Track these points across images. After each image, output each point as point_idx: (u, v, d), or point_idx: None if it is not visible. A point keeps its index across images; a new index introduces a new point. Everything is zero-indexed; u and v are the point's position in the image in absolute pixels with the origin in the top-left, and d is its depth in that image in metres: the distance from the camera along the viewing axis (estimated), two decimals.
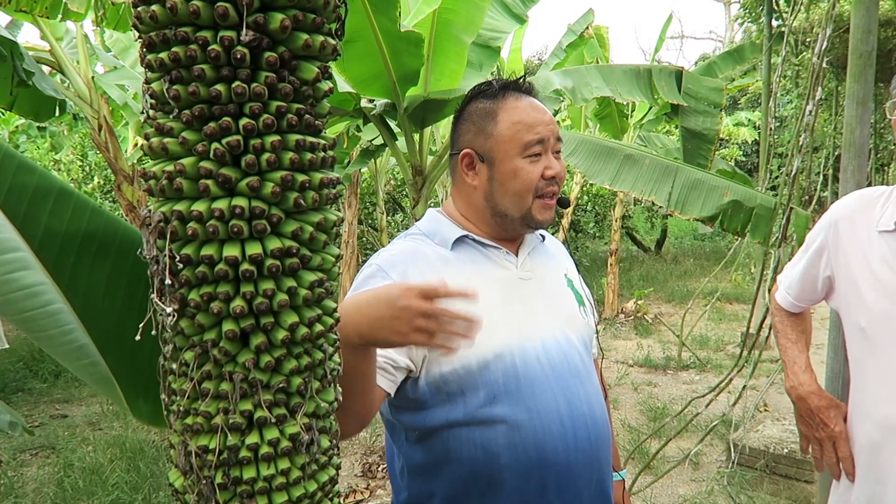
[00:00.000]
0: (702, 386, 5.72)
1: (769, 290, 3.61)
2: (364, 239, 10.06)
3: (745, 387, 3.67)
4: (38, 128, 11.41)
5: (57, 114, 4.07)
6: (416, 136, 4.40)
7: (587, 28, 6.52)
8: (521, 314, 1.38)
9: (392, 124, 4.61)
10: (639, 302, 8.67)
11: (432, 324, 1.03)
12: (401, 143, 4.85)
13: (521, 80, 1.45)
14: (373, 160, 8.48)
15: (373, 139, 6.54)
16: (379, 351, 1.23)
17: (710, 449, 4.56)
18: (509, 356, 1.33)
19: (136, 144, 9.95)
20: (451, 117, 1.53)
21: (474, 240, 1.43)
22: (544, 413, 1.31)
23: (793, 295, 1.83)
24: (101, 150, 4.79)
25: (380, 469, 4.37)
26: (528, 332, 1.37)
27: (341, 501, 0.79)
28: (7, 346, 3.99)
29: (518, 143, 1.36)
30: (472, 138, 1.42)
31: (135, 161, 6.04)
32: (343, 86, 3.80)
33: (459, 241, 1.42)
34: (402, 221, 12.08)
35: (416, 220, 1.63)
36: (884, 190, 1.61)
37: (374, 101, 4.38)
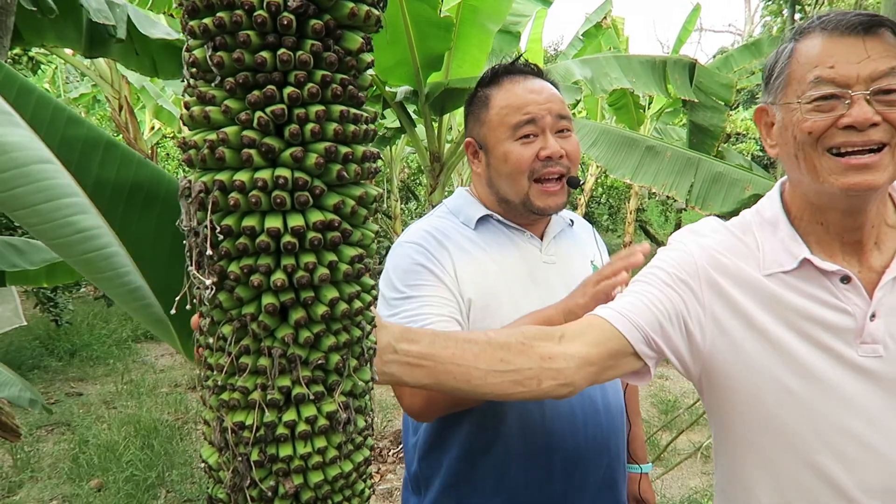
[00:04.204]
0: None
1: None
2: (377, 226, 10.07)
3: None
4: None
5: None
6: (435, 124, 4.39)
7: (605, 17, 6.46)
8: (542, 299, 1.38)
9: (410, 110, 4.60)
10: None
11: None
12: (419, 130, 4.83)
13: (518, 62, 1.43)
14: (388, 147, 8.47)
15: (389, 126, 6.54)
16: (444, 311, 1.29)
17: None
18: None
19: (152, 128, 10.02)
20: None
21: (498, 220, 1.43)
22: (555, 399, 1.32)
23: None
24: (121, 130, 4.80)
25: (390, 454, 4.38)
26: None
27: (373, 483, 0.78)
28: (25, 323, 4.03)
29: (506, 127, 1.35)
30: (471, 127, 1.45)
31: (153, 143, 6.06)
32: None
33: (483, 220, 1.43)
34: (415, 209, 12.08)
35: (433, 206, 1.64)
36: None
37: (392, 87, 4.37)
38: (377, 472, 4.19)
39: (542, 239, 1.45)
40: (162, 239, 0.95)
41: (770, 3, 6.78)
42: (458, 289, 1.33)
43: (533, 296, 1.37)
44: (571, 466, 1.34)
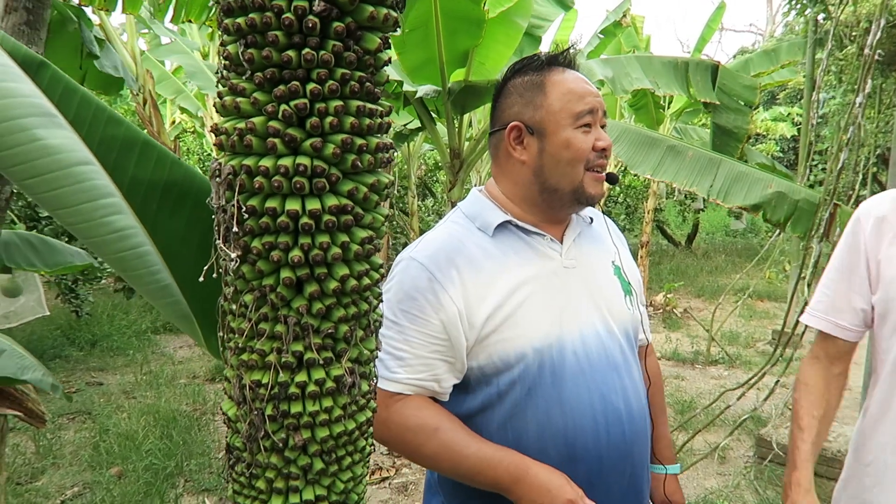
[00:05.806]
0: (730, 381, 5.66)
1: (808, 286, 3.56)
2: (395, 222, 10.16)
3: (777, 382, 3.64)
4: None
5: (123, 89, 3.98)
6: (456, 122, 4.44)
7: (624, 16, 6.45)
8: (563, 306, 1.35)
9: (430, 108, 4.65)
10: (668, 295, 8.62)
11: None
12: (439, 127, 4.88)
13: (566, 54, 1.42)
14: (406, 144, 8.54)
15: (407, 123, 6.60)
16: (429, 374, 1.31)
17: (738, 444, 4.52)
18: (547, 350, 1.31)
19: (173, 122, 10.16)
20: (490, 103, 1.51)
21: (517, 226, 1.38)
22: (577, 408, 1.30)
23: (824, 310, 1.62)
24: (145, 123, 4.91)
25: None
26: (568, 324, 1.34)
27: (373, 440, 0.85)
28: (48, 313, 4.14)
29: (569, 113, 1.33)
30: (519, 111, 1.38)
31: (175, 136, 6.18)
32: (392, 74, 3.86)
33: (502, 226, 1.37)
34: (432, 206, 12.14)
35: (452, 203, 1.64)
36: None
37: (415, 86, 4.43)
38: (392, 466, 4.24)
39: (561, 242, 1.41)
40: (191, 236, 1.00)
41: (797, 2, 6.72)
42: (459, 316, 1.30)
43: (554, 302, 1.35)
44: (595, 477, 1.32)
